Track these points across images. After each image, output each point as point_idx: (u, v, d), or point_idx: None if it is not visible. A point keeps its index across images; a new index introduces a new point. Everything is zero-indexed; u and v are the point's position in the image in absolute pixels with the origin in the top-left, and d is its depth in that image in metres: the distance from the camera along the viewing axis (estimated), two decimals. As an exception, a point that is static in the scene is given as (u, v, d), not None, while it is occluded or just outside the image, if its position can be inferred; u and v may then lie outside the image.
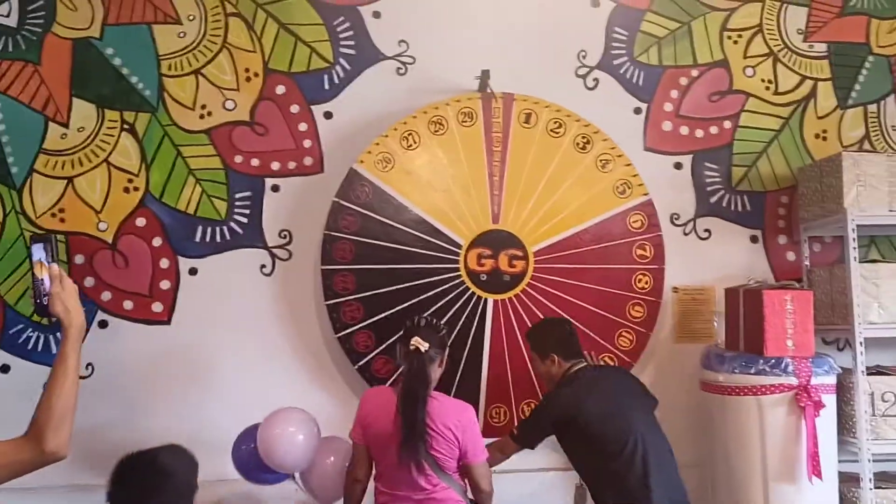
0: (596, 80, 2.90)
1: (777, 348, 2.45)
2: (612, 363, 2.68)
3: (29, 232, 2.68)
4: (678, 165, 2.90)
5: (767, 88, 2.94)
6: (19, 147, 2.71)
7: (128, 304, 2.70)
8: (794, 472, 2.36)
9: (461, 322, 2.67)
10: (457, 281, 2.69)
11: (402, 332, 2.12)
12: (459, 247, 2.71)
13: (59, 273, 1.35)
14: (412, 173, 2.72)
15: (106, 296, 2.70)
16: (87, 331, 2.64)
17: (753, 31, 2.96)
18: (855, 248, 2.54)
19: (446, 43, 2.84)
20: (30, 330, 2.67)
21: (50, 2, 2.75)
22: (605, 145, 2.78)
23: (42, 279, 1.34)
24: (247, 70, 2.79)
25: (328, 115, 2.81)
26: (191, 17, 2.79)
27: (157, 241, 2.73)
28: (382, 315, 2.64)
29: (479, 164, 2.74)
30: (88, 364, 2.67)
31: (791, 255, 2.90)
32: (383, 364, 2.64)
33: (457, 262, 2.70)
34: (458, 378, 2.65)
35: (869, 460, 2.46)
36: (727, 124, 2.92)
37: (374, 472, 2.13)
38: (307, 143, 2.80)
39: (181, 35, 2.79)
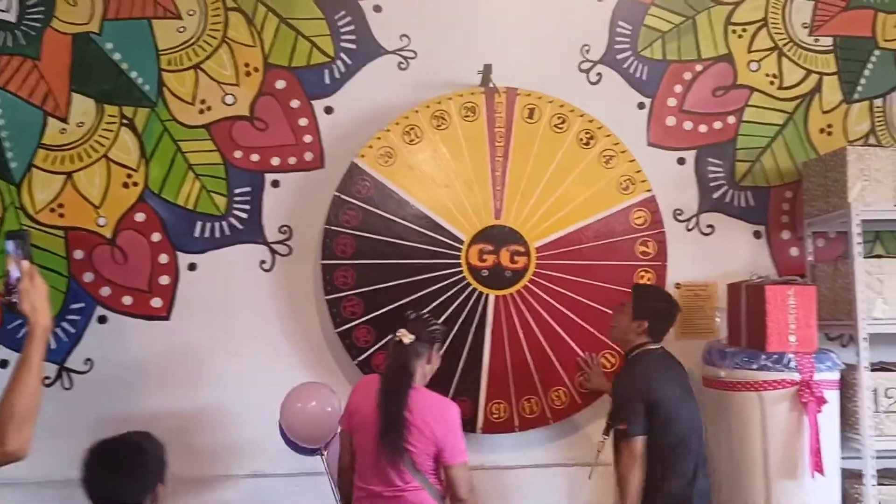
0: (599, 74, 2.87)
1: (779, 344, 2.43)
2: (612, 361, 2.67)
3: (27, 227, 2.67)
4: (682, 161, 2.88)
5: (772, 83, 2.92)
6: (18, 142, 2.70)
7: (127, 300, 2.70)
8: (797, 468, 2.34)
9: (462, 318, 2.66)
10: (458, 276, 2.68)
11: None
12: (461, 242, 2.69)
13: (31, 270, 1.33)
14: (414, 168, 2.70)
15: (105, 291, 2.69)
16: (86, 326, 2.68)
17: (758, 25, 2.93)
18: (859, 244, 2.51)
19: (448, 37, 2.82)
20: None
21: (49, -3, 2.74)
22: (609, 141, 2.76)
23: (12, 275, 1.32)
24: (247, 65, 2.78)
25: (329, 110, 2.79)
26: (190, 13, 2.77)
27: (156, 237, 2.72)
28: (383, 310, 2.63)
29: (482, 159, 2.72)
30: (87, 360, 2.67)
31: (795, 251, 2.88)
32: (384, 359, 2.63)
33: (458, 257, 2.68)
34: (458, 374, 2.64)
35: (872, 457, 2.44)
36: (731, 119, 2.90)
37: None
38: (307, 139, 2.78)
39: (181, 30, 2.77)
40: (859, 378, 2.48)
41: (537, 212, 2.72)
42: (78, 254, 2.70)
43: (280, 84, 2.78)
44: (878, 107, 2.94)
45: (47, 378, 2.62)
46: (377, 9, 2.82)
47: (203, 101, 2.76)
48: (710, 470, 2.41)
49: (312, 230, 2.72)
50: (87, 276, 2.69)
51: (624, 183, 2.76)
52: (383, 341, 2.62)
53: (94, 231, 2.70)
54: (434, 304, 2.63)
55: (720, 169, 2.88)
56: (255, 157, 2.76)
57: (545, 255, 2.71)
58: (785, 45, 2.94)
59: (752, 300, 2.55)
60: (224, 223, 2.74)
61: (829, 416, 2.41)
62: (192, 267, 2.72)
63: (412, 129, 2.71)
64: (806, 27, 2.95)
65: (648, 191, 2.75)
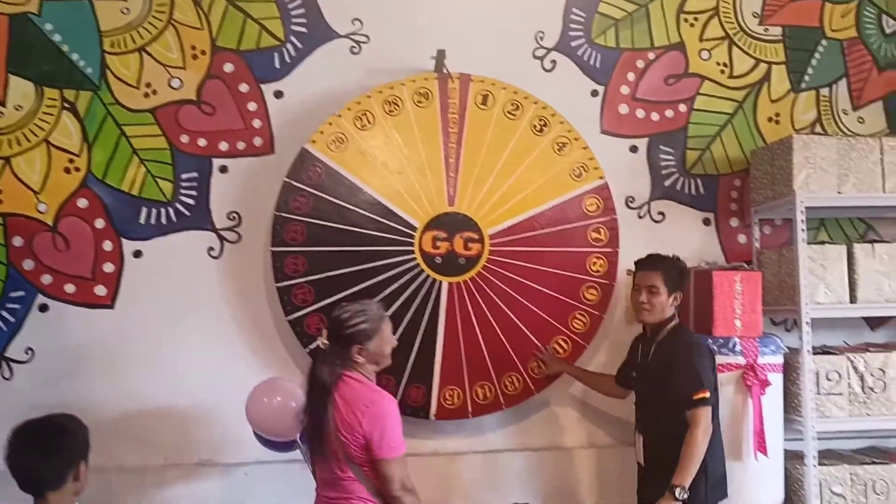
0: (553, 61, 2.87)
1: (725, 328, 2.48)
2: (564, 346, 2.69)
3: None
4: (634, 149, 2.90)
5: (723, 72, 2.95)
6: (-47, 126, 2.60)
7: (69, 288, 2.62)
8: (741, 449, 2.40)
9: (415, 305, 2.64)
10: (411, 264, 2.66)
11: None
12: (414, 229, 2.67)
13: None
14: (366, 154, 2.67)
15: (46, 279, 2.61)
16: (27, 314, 2.59)
17: (710, 14, 2.96)
18: (803, 230, 2.57)
19: (401, 22, 2.79)
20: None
21: (-16, -26, 2.63)
22: (563, 128, 2.77)
23: None
24: (193, 48, 2.71)
25: (279, 95, 2.74)
26: (135, -8, 2.70)
27: (99, 223, 2.65)
28: (335, 297, 2.60)
29: (435, 146, 2.70)
30: (28, 349, 2.60)
31: (742, 238, 2.93)
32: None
33: (411, 244, 2.67)
34: (412, 361, 2.63)
35: (813, 438, 2.51)
36: (682, 107, 2.93)
37: None
38: (257, 123, 2.73)
39: (125, 11, 2.69)
40: (802, 361, 2.53)
41: (491, 199, 2.71)
42: (17, 241, 2.61)
43: (228, 67, 2.72)
44: (824, 96, 3.00)
45: (-14, 369, 2.54)
46: (329, -8, 2.78)
47: (148, 85, 2.69)
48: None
49: (262, 217, 2.68)
50: (28, 264, 2.61)
51: (577, 170, 2.76)
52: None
53: (35, 217, 2.62)
54: (387, 291, 2.62)
55: (671, 157, 2.91)
56: (202, 142, 2.70)
57: (498, 241, 2.70)
58: (735, 34, 2.97)
59: (699, 286, 2.60)
60: (170, 209, 2.68)
61: (773, 399, 2.47)
62: (137, 254, 2.66)
63: (364, 114, 2.68)
64: (756, 17, 2.99)
65: (601, 178, 2.76)
